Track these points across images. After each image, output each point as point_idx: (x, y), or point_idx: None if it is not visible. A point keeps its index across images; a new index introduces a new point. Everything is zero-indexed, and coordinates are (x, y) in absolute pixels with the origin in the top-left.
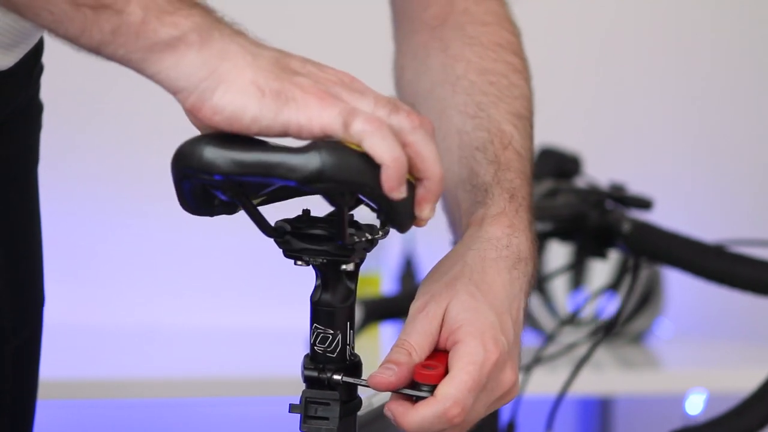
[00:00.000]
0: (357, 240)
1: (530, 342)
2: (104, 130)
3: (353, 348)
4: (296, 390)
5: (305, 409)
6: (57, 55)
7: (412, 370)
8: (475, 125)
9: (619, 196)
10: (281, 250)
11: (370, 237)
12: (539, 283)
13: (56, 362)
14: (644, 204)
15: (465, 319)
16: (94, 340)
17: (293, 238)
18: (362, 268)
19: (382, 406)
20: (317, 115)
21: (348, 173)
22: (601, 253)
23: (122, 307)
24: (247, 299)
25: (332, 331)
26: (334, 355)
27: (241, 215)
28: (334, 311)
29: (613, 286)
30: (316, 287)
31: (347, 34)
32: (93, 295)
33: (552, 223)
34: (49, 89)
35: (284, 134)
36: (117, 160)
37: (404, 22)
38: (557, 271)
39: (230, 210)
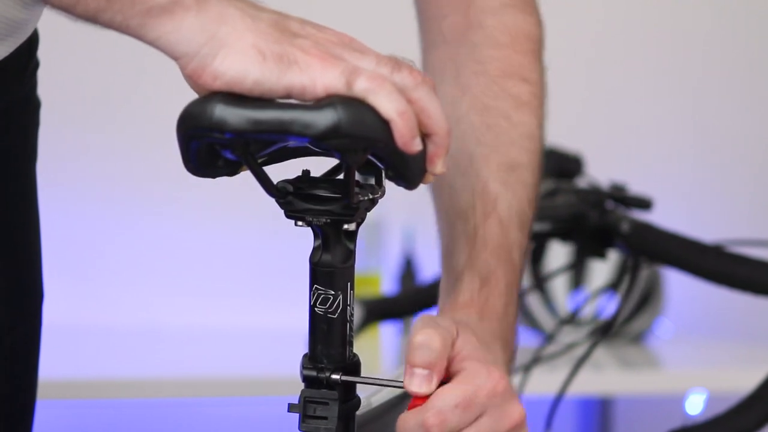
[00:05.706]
0: (362, 199)
1: (530, 342)
2: (106, 132)
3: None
4: (295, 390)
5: (304, 408)
6: (59, 55)
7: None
8: (463, 184)
9: (620, 197)
10: (282, 211)
11: (372, 196)
12: (539, 282)
13: (56, 362)
14: (644, 204)
15: (472, 352)
16: (94, 340)
17: (295, 198)
18: (363, 268)
19: (380, 406)
20: (320, 76)
21: (364, 129)
22: (600, 253)
23: (122, 307)
24: (247, 299)
25: (333, 292)
26: (335, 316)
27: (240, 216)
28: (335, 272)
29: (613, 286)
30: (315, 248)
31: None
32: (93, 295)
33: (552, 223)
34: (52, 89)
35: (287, 96)
36: (119, 161)
37: (425, 32)
38: (557, 271)
39: (232, 171)
